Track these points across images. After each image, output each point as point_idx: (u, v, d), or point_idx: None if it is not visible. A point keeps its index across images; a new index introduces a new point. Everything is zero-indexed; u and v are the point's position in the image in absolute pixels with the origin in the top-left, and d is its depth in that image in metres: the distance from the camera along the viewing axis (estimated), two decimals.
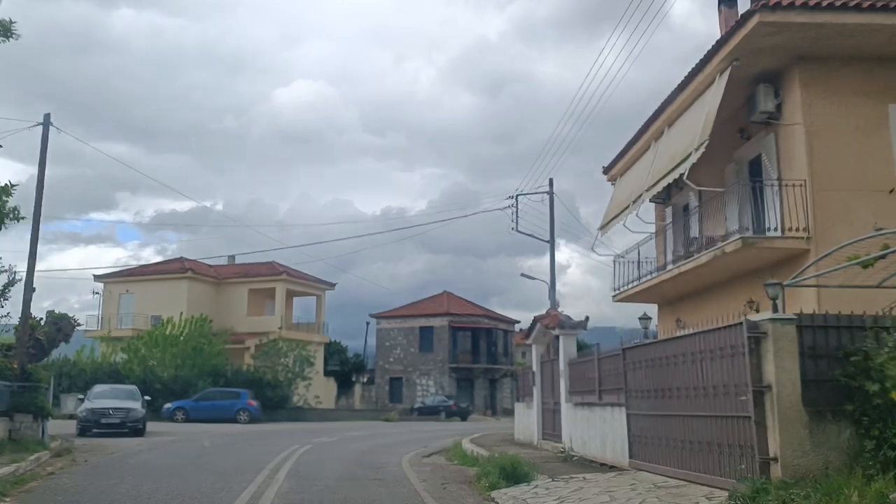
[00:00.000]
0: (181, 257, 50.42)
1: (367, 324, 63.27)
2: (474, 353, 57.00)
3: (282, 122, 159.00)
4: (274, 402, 40.09)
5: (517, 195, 32.65)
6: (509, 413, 62.33)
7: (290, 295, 51.45)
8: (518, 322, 62.39)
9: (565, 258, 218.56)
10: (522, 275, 32.33)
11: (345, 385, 58.96)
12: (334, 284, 52.77)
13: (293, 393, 42.19)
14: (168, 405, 36.37)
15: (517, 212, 32.54)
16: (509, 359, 60.63)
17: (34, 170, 32.74)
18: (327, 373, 54.88)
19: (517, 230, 32.55)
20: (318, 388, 47.07)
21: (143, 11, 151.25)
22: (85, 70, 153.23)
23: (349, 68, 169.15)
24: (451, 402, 50.51)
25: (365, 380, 61.04)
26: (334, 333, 59.36)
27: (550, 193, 32.32)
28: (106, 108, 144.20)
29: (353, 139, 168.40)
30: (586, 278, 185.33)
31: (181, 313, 41.65)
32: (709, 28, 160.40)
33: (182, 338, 39.81)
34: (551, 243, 31.89)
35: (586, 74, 41.02)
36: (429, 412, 50.45)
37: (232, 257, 53.77)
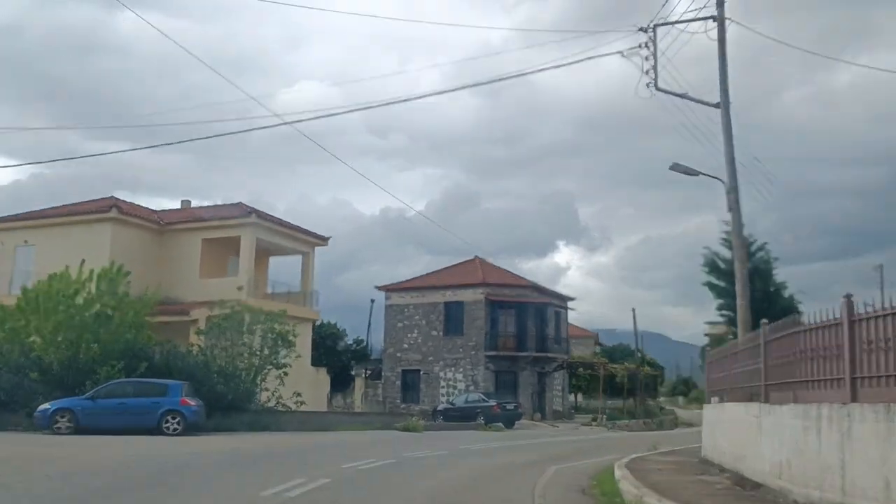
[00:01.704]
0: (111, 196, 35.46)
1: (373, 301, 48.23)
2: (519, 338, 41.99)
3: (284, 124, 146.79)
4: (228, 402, 25.15)
5: (657, 25, 17.89)
6: (560, 416, 47.68)
7: (266, 253, 36.54)
8: (573, 299, 47.39)
9: (564, 260, 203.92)
10: (675, 166, 17.50)
11: (341, 380, 43.98)
12: (327, 239, 37.77)
13: (259, 387, 27.17)
14: (46, 406, 21.63)
15: (655, 55, 17.81)
16: (563, 346, 45.58)
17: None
18: (317, 362, 39.91)
19: (656, 87, 17.72)
20: (302, 382, 32.15)
21: (147, 13, 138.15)
22: (89, 70, 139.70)
23: (352, 70, 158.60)
24: (492, 403, 35.54)
25: (369, 373, 46.05)
26: (331, 312, 44.51)
27: (720, 17, 17.62)
28: (108, 106, 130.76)
29: (355, 140, 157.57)
30: (587, 281, 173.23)
31: (91, 269, 26.64)
32: (708, 28, 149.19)
33: (78, 299, 24.88)
34: (724, 102, 17.14)
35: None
36: (458, 416, 35.65)
37: (187, 200, 38.85)
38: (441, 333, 42.58)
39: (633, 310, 54.03)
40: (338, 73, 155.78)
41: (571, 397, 55.56)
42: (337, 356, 44.82)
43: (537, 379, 42.70)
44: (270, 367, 27.24)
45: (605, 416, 39.87)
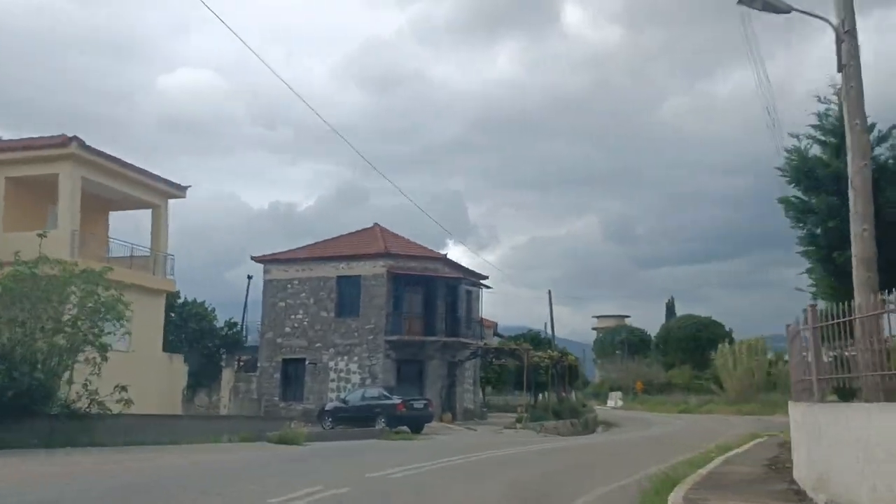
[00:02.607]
0: None
1: (250, 278, 39.76)
2: (427, 320, 34.71)
3: (167, 111, 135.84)
4: (10, 402, 16.60)
5: None
6: (471, 416, 40.56)
7: (104, 206, 27.79)
8: (486, 277, 40.48)
9: (453, 258, 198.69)
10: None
11: (209, 372, 35.49)
12: (185, 189, 29.23)
13: (66, 379, 18.55)
14: None
15: None
16: (476, 331, 38.60)
17: None
18: (176, 348, 31.39)
19: None
20: (149, 374, 23.78)
21: None
22: None
23: (240, 61, 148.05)
24: (396, 400, 28.12)
25: (241, 363, 37.68)
26: (195, 289, 35.76)
27: None
28: None
29: (242, 132, 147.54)
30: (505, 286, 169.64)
31: None
32: (600, 37, 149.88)
33: None
34: None
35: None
36: (353, 418, 28.22)
37: None
38: (332, 314, 34.75)
39: (549, 291, 47.95)
40: (223, 63, 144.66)
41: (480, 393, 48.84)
42: (203, 342, 36.21)
43: (447, 370, 35.56)
44: (88, 347, 18.71)
45: (528, 416, 33.12)
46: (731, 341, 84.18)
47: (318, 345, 34.73)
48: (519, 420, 31.97)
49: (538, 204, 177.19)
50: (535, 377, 40.81)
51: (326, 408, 30.28)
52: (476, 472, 13.22)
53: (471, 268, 38.91)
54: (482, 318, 40.92)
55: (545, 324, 61.87)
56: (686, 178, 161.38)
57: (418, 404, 28.52)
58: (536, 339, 53.53)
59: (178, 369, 29.05)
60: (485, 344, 37.30)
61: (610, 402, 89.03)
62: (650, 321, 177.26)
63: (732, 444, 21.60)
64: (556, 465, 15.03)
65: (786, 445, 20.68)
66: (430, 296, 34.89)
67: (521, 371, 41.28)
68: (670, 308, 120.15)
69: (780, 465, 14.06)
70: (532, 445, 20.43)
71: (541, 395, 50.77)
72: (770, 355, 56.82)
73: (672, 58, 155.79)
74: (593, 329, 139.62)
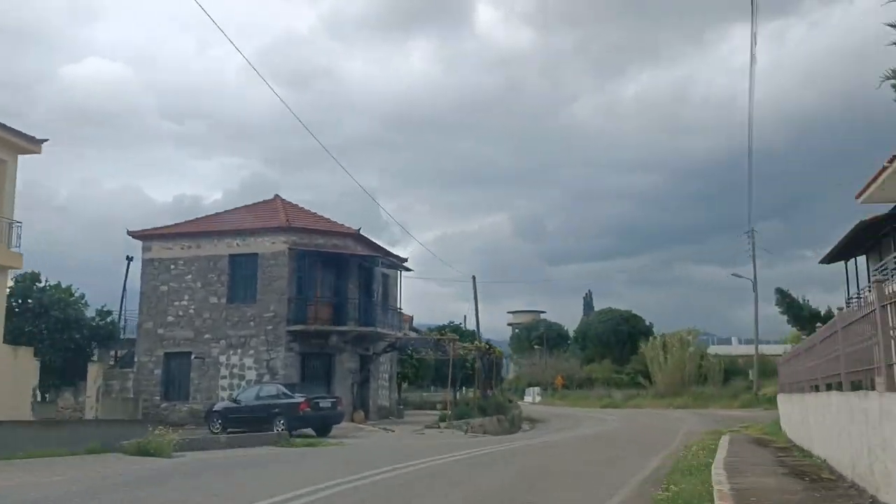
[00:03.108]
0: None
1: (130, 259, 34.11)
2: (338, 307, 30.06)
3: (71, 102, 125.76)
4: None
5: None
6: (387, 414, 35.85)
7: None
8: (406, 260, 36.05)
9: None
10: None
11: (76, 368, 29.90)
12: (39, 143, 23.66)
13: None
14: None
15: None
16: (394, 320, 34.11)
17: None
18: (28, 340, 25.86)
19: None
20: None
21: None
22: None
23: (149, 51, 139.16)
24: (297, 399, 23.49)
25: (116, 358, 32.14)
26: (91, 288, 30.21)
27: None
28: None
29: (149, 124, 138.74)
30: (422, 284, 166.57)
31: None
32: (512, 38, 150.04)
33: None
34: None
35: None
36: (246, 420, 23.65)
37: None
38: (224, 300, 29.71)
39: (474, 277, 44.01)
40: (131, 53, 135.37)
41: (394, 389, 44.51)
42: (69, 333, 30.51)
43: (360, 364, 31.01)
44: None
45: (452, 414, 28.91)
46: (653, 335, 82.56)
47: (206, 336, 29.59)
48: (442, 418, 27.75)
49: (450, 201, 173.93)
50: (460, 371, 36.82)
51: (215, 408, 25.38)
52: (406, 498, 8.86)
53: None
54: (401, 308, 36.52)
55: (464, 316, 58.13)
56: (594, 176, 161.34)
57: (325, 403, 23.94)
58: (458, 332, 49.49)
59: (25, 365, 23.49)
60: (404, 335, 32.93)
61: (527, 398, 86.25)
62: (565, 316, 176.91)
63: (704, 442, 17.96)
64: (516, 481, 10.81)
65: (770, 444, 17.28)
66: (341, 278, 30.27)
67: (441, 366, 37.20)
68: (588, 302, 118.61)
69: (811, 475, 10.35)
70: (466, 450, 16.19)
71: (461, 391, 46.86)
72: (691, 349, 54.49)
73: (582, 59, 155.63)
74: (508, 325, 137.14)
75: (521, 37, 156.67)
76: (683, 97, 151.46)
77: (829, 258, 36.53)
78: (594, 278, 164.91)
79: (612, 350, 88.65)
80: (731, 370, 54.02)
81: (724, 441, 17.38)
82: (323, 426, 23.79)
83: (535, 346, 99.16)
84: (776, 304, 21.00)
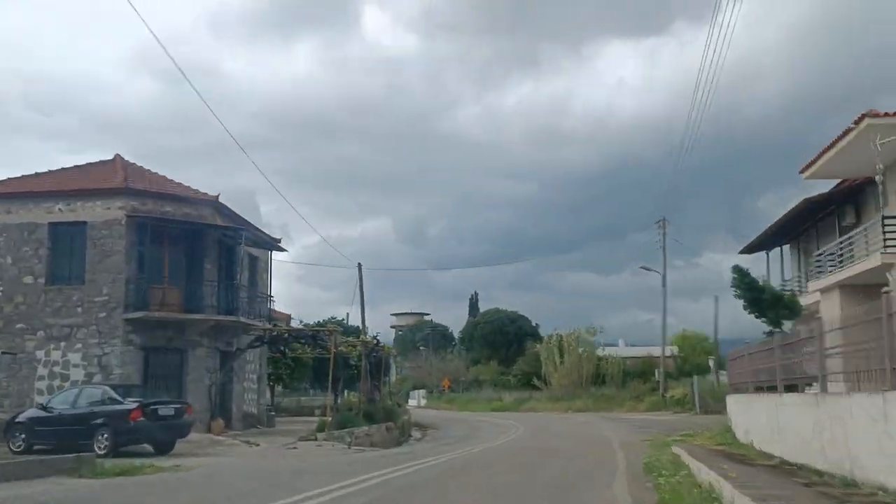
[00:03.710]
0: None
1: None
2: (190, 291, 24.28)
3: None
4: None
5: None
6: (254, 423, 29.69)
7: None
8: (279, 240, 30.46)
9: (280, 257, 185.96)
10: None
11: None
12: None
13: None
14: None
15: None
16: (264, 311, 28.55)
17: None
18: None
19: None
20: None
21: None
22: None
23: (17, 40, 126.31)
24: (128, 405, 17.83)
25: None
26: None
27: None
28: None
29: (13, 115, 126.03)
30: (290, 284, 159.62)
31: None
32: (396, 42, 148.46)
33: None
34: None
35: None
36: (58, 434, 17.86)
37: None
38: (43, 281, 23.38)
39: (360, 265, 39.07)
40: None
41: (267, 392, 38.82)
42: None
43: (220, 361, 25.38)
44: None
45: (333, 422, 23.68)
46: (539, 336, 79.62)
47: (19, 326, 23.18)
48: (320, 428, 22.52)
49: (333, 204, 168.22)
50: (343, 372, 31.70)
51: (18, 419, 19.27)
52: None
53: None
54: (272, 296, 30.99)
55: (346, 313, 53.01)
56: (474, 183, 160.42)
57: (166, 410, 18.32)
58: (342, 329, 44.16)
59: None
60: (275, 327, 27.39)
61: (412, 401, 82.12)
62: (450, 319, 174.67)
63: (661, 459, 13.81)
64: None
65: (755, 463, 13.31)
66: (196, 255, 24.57)
67: (322, 365, 31.94)
68: (473, 304, 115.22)
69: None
70: (352, 479, 11.19)
71: (345, 395, 41.60)
72: (586, 349, 51.40)
73: (465, 66, 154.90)
74: (392, 327, 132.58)
75: (406, 42, 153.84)
76: (562, 109, 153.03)
77: (750, 248, 33.88)
78: (477, 283, 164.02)
79: (499, 351, 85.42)
80: (628, 372, 51.36)
81: (691, 460, 13.23)
82: (164, 440, 18.25)
83: (421, 348, 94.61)
84: (732, 286, 17.13)
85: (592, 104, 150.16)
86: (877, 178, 19.77)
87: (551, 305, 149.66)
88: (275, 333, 25.45)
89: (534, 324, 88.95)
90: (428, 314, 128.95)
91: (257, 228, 26.26)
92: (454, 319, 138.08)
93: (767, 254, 32.91)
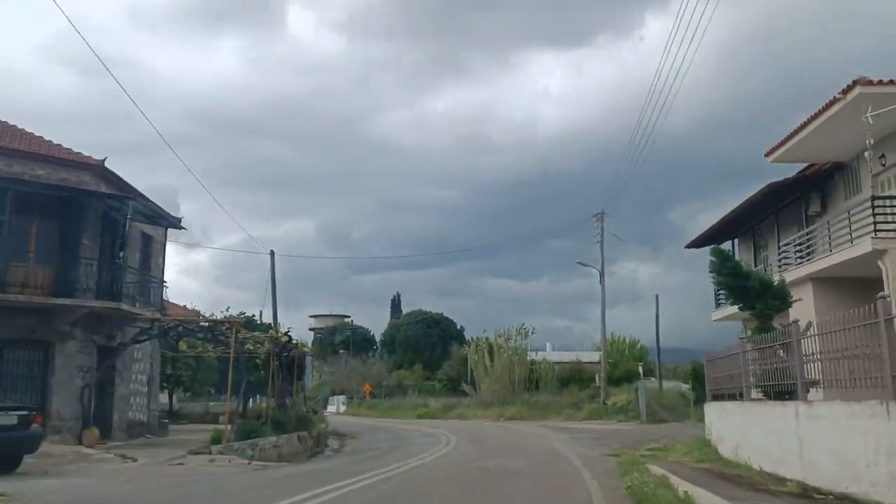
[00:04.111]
0: None
1: None
2: (63, 271, 20.01)
3: None
4: None
5: None
6: (142, 432, 25.09)
7: None
8: (180, 219, 26.20)
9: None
10: None
11: None
12: None
13: None
14: None
15: None
16: (155, 299, 24.39)
17: None
18: None
19: None
20: None
21: None
22: None
23: None
24: None
25: None
26: None
27: None
28: None
29: None
30: (182, 279, 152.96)
31: None
32: (324, 44, 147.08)
33: None
34: None
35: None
36: None
37: None
38: None
39: (272, 252, 35.21)
40: None
41: (165, 396, 34.44)
42: None
43: (98, 357, 21.18)
44: None
45: (234, 432, 19.76)
46: (465, 339, 76.42)
47: None
48: (216, 439, 18.61)
49: (255, 204, 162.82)
50: (250, 373, 27.74)
51: None
52: None
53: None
54: (166, 283, 26.74)
55: (260, 311, 48.72)
56: (400, 188, 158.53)
57: (6, 419, 14.23)
58: (251, 325, 39.92)
59: None
60: (166, 317, 23.21)
61: (331, 407, 78.06)
62: (371, 322, 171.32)
63: (649, 486, 10.72)
64: None
65: (778, 490, 10.27)
66: (72, 228, 20.36)
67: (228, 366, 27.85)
68: (396, 305, 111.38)
69: None
70: None
71: (257, 399, 37.46)
72: (517, 352, 48.54)
73: (394, 71, 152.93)
74: (311, 329, 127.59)
75: (334, 44, 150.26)
76: (488, 116, 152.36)
77: (700, 241, 31.53)
78: (399, 288, 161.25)
79: (423, 355, 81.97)
80: (561, 377, 48.77)
81: (687, 485, 10.16)
82: (6, 455, 14.17)
83: (340, 351, 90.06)
84: (711, 271, 14.22)
85: (519, 113, 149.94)
86: (866, 154, 17.30)
87: (473, 311, 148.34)
88: (165, 325, 21.36)
89: (459, 326, 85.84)
90: (348, 316, 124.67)
91: (151, 201, 22.12)
92: (376, 323, 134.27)
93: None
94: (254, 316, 42.04)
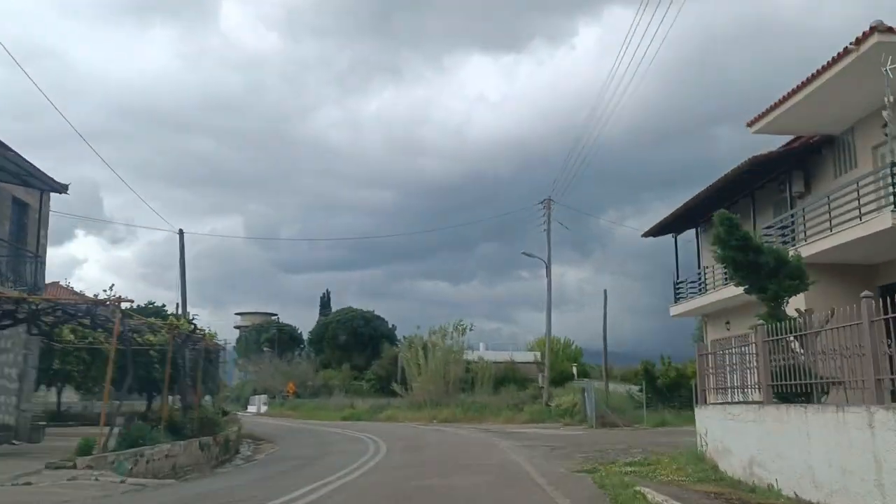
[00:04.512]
0: None
1: None
2: None
3: None
4: None
5: None
6: (11, 437, 20.77)
7: None
8: (66, 186, 22.00)
9: (82, 252, 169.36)
10: None
11: None
12: None
13: None
14: None
15: None
16: (32, 279, 20.24)
17: None
18: None
19: None
20: None
21: None
22: None
23: None
24: None
25: None
26: None
27: None
28: None
29: None
30: (105, 275, 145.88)
31: None
32: (257, 40, 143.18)
33: None
34: None
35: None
36: None
37: None
38: None
39: (181, 231, 31.31)
40: None
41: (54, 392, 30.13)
42: None
43: None
44: None
45: (115, 440, 15.89)
46: (396, 339, 72.94)
47: None
48: (85, 449, 14.74)
49: (183, 201, 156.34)
50: (151, 368, 23.85)
51: None
52: None
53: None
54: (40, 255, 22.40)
55: (177, 305, 44.33)
56: (331, 188, 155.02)
57: None
58: (145, 312, 35.49)
59: None
60: (35, 297, 19.01)
61: (252, 408, 73.60)
62: (301, 321, 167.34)
63: None
64: None
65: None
66: None
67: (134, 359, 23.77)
68: (325, 303, 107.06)
69: None
70: None
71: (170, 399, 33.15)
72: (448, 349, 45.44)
73: (326, 70, 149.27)
74: (236, 327, 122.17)
75: (267, 40, 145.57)
76: (423, 119, 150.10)
77: (657, 230, 28.97)
78: (329, 288, 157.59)
79: (352, 354, 78.16)
80: (497, 377, 45.88)
81: None
82: None
83: (265, 349, 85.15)
84: (714, 243, 11.32)
85: (453, 116, 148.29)
86: (884, 113, 14.71)
87: (405, 312, 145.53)
88: (35, 307, 17.32)
89: (390, 325, 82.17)
90: (275, 314, 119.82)
91: (18, 155, 17.99)
92: (305, 322, 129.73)
93: (675, 237, 28.07)
94: (164, 306, 37.77)
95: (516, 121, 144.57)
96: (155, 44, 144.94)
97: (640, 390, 30.05)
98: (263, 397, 72.38)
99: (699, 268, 26.38)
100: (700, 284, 26.11)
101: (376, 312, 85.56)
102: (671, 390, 30.16)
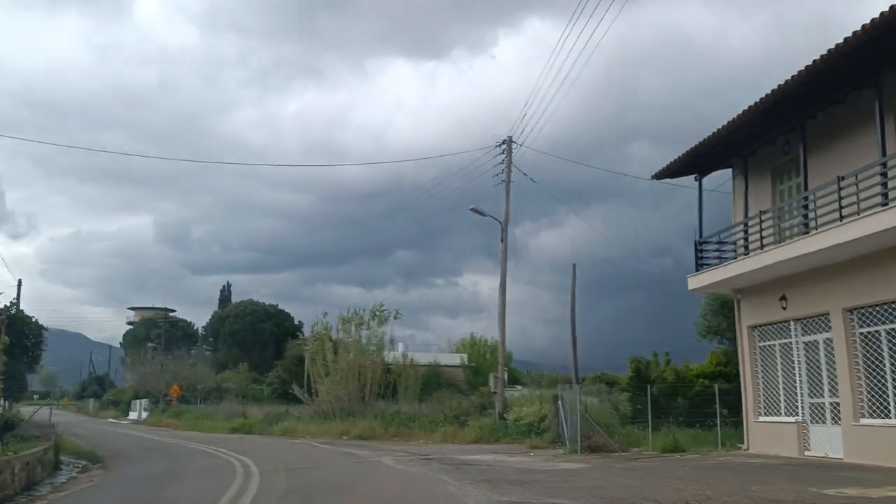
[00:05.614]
0: None
1: None
2: None
3: None
4: None
5: None
6: None
7: None
8: None
9: None
10: None
11: None
12: None
13: None
14: None
15: None
16: None
17: None
18: None
19: None
20: None
21: None
22: None
23: None
24: None
25: None
26: None
27: None
28: None
29: None
30: (2, 272, 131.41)
31: None
32: (174, 35, 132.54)
33: None
34: None
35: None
36: None
37: None
38: None
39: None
40: None
41: None
42: None
43: None
44: None
45: None
46: (302, 335, 63.33)
47: None
48: None
49: (90, 197, 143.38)
50: None
51: None
52: None
53: None
54: None
55: (20, 280, 34.08)
56: (247, 189, 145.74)
57: None
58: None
59: None
60: None
61: (132, 414, 63.16)
62: (200, 318, 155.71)
63: None
64: None
65: None
66: None
67: None
68: (225, 297, 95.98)
69: None
70: None
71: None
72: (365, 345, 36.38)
73: (246, 68, 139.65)
74: (129, 323, 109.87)
75: (184, 35, 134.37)
76: (343, 122, 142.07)
77: (671, 171, 20.91)
78: (238, 290, 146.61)
79: (252, 352, 68.10)
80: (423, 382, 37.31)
81: None
82: None
83: (153, 346, 73.40)
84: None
85: (373, 120, 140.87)
86: None
87: (315, 317, 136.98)
88: None
89: (297, 321, 71.99)
90: (174, 310, 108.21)
91: None
92: (204, 319, 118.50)
93: (699, 179, 19.90)
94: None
95: (436, 127, 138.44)
96: (66, 34, 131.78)
97: (629, 399, 21.95)
98: (145, 402, 61.77)
99: (739, 221, 18.37)
100: (735, 246, 18.15)
101: (280, 307, 75.65)
102: (668, 399, 21.98)
